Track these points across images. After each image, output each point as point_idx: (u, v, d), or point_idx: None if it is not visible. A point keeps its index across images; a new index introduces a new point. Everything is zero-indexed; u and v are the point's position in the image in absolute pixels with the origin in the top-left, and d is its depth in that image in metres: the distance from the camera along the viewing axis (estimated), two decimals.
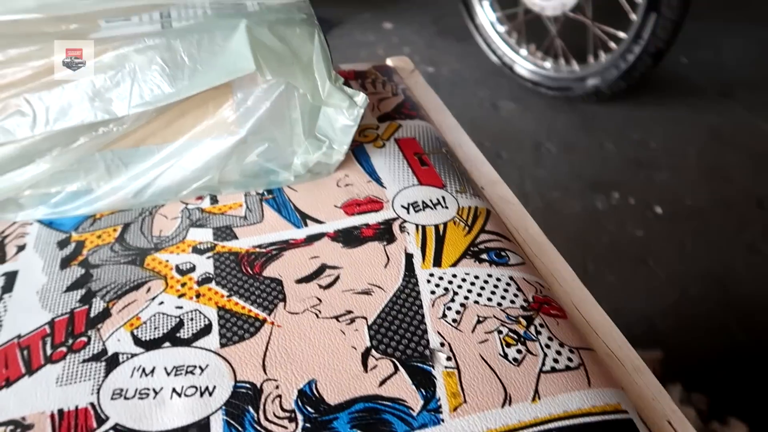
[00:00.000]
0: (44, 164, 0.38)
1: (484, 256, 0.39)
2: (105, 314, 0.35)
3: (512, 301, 0.36)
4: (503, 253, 0.39)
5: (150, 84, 0.36)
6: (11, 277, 0.37)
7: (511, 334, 0.34)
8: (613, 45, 1.59)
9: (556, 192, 1.43)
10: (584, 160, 1.53)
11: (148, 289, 0.37)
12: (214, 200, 0.43)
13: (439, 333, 0.34)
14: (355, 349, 0.33)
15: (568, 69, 1.68)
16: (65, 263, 0.38)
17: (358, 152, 0.48)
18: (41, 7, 0.38)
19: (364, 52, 2.00)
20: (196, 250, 0.39)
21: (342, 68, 0.61)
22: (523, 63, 1.75)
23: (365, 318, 0.35)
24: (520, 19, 1.74)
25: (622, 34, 1.55)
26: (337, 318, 0.35)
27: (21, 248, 0.39)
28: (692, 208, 1.37)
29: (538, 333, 0.34)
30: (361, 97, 0.40)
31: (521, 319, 0.35)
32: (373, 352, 0.33)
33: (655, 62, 1.52)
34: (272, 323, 0.34)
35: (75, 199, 0.41)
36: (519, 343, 0.33)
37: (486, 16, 1.80)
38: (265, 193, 0.44)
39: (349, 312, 0.35)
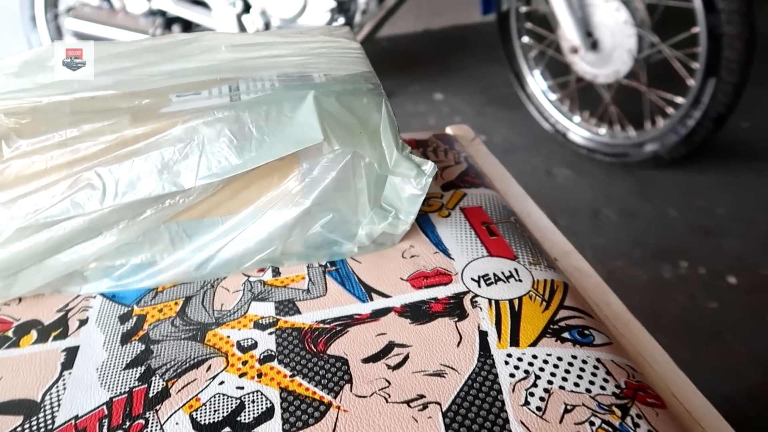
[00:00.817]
0: (111, 237, 0.38)
1: (566, 334, 0.36)
2: (164, 394, 0.33)
3: (602, 387, 0.32)
4: (587, 332, 0.36)
5: (218, 156, 0.36)
6: (72, 353, 0.36)
7: (604, 425, 0.30)
8: (670, 110, 1.55)
9: (618, 261, 1.37)
10: (646, 228, 1.47)
11: (209, 368, 0.35)
12: (276, 272, 0.42)
13: (522, 423, 0.30)
14: None
15: (624, 135, 1.65)
16: (126, 338, 0.37)
17: (422, 222, 0.46)
18: (116, 84, 0.39)
19: (415, 122, 2.03)
20: (258, 326, 0.38)
21: (402, 137, 0.60)
22: (577, 130, 1.73)
23: (439, 404, 0.32)
24: (573, 87, 1.74)
25: (680, 99, 1.52)
26: (408, 403, 0.32)
27: (83, 322, 0.39)
28: None
29: (636, 425, 0.30)
30: (429, 166, 0.39)
31: (615, 409, 0.31)
32: None
33: (716, 127, 1.47)
34: (338, 407, 0.32)
35: (139, 272, 0.40)
36: None
37: (537, 84, 1.81)
38: (328, 264, 0.42)
39: (422, 396, 0.32)
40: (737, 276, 1.29)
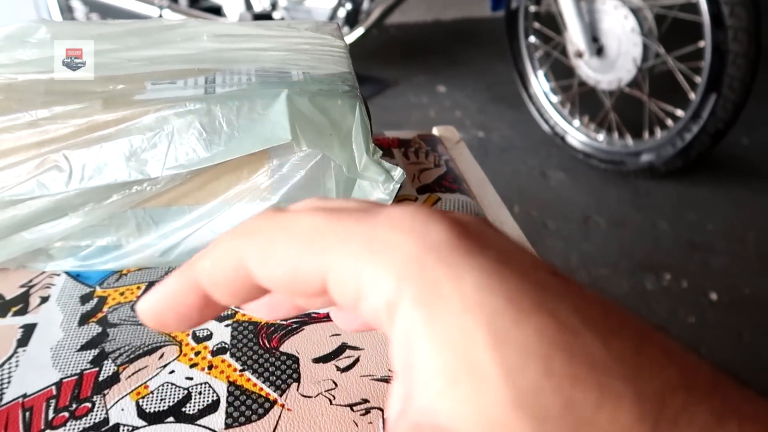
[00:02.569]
0: (76, 218, 0.38)
1: None
2: (114, 379, 0.34)
3: None
4: None
5: (186, 147, 0.36)
6: (29, 331, 0.37)
7: None
8: (669, 122, 1.55)
9: (603, 269, 1.38)
10: (635, 238, 1.48)
11: (161, 355, 0.35)
12: None
13: None
14: None
15: (621, 143, 1.65)
16: (84, 320, 0.38)
17: None
18: (94, 67, 0.39)
19: (416, 114, 2.03)
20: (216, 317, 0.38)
21: (386, 135, 0.60)
22: (576, 134, 1.73)
23: (381, 410, 0.32)
24: (575, 90, 1.73)
25: (679, 112, 1.52)
26: (351, 407, 0.32)
27: (44, 299, 0.39)
28: (751, 297, 1.29)
29: None
30: (398, 172, 0.39)
31: None
32: None
33: (713, 143, 1.47)
34: (282, 405, 0.32)
35: (104, 254, 0.41)
36: None
37: (540, 85, 1.80)
38: None
39: (366, 401, 0.33)
40: (719, 293, 1.30)
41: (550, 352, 0.12)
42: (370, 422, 0.32)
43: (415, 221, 0.14)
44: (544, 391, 0.12)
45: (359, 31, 1.84)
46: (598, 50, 1.56)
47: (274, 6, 1.83)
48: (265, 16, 1.85)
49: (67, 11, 2.06)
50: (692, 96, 1.47)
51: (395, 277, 0.13)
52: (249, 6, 1.85)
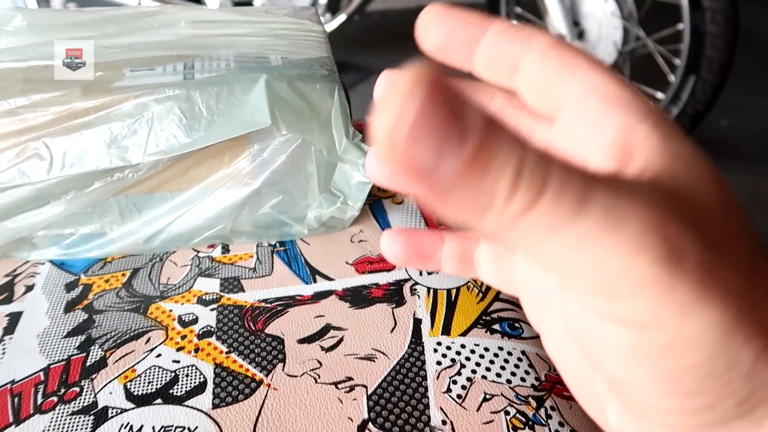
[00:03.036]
0: (59, 206, 0.38)
1: (497, 326, 0.37)
2: (101, 364, 0.34)
3: (523, 379, 0.34)
4: (517, 325, 0.37)
5: (166, 133, 0.36)
6: (15, 318, 0.37)
7: (519, 415, 0.32)
8: None
9: None
10: None
11: (148, 340, 0.36)
12: (225, 249, 0.43)
13: (441, 409, 0.32)
14: (352, 420, 0.31)
15: None
16: (70, 307, 0.38)
17: (375, 207, 0.47)
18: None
19: None
20: (201, 301, 0.39)
21: (367, 120, 0.61)
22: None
23: (365, 387, 0.33)
24: None
25: (660, 95, 1.53)
26: (336, 384, 0.33)
27: (29, 288, 0.39)
28: None
29: (548, 417, 0.32)
30: None
31: (531, 400, 0.33)
32: (370, 425, 0.31)
33: (693, 124, 1.49)
34: (268, 385, 0.33)
35: (87, 242, 0.41)
36: (527, 427, 0.31)
37: None
38: (278, 245, 0.43)
39: (350, 379, 0.34)
40: None
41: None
42: (355, 399, 0.32)
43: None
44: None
45: (341, 17, 1.83)
46: (579, 34, 1.57)
47: None
48: (245, 4, 1.83)
49: (43, 0, 2.02)
50: (672, 78, 1.48)
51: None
52: None
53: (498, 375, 0.34)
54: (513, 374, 0.34)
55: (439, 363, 0.34)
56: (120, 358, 0.35)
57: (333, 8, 1.81)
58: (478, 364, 0.34)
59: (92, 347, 0.35)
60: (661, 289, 0.13)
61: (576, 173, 0.12)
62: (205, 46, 0.41)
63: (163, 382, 0.33)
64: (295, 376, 0.34)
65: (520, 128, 0.19)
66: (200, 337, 0.36)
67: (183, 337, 0.36)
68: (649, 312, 0.14)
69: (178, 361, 0.34)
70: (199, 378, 0.33)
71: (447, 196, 0.11)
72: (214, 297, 0.39)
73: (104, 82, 0.37)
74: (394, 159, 0.11)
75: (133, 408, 0.32)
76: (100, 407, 0.32)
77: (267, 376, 0.34)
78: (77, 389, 0.33)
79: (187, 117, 0.36)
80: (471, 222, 0.12)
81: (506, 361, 0.35)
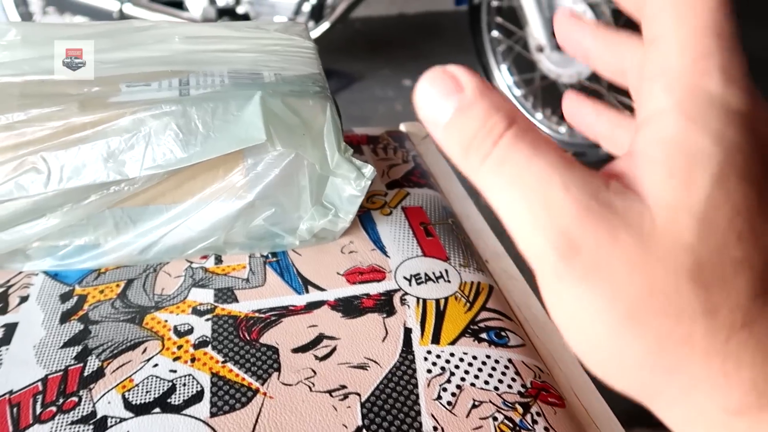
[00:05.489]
0: (54, 219, 0.39)
1: (484, 335, 0.38)
2: (99, 374, 0.35)
3: (509, 386, 0.35)
4: (503, 333, 0.39)
5: (163, 148, 0.37)
6: (10, 330, 0.37)
7: (506, 421, 0.33)
8: (627, 114, 1.61)
9: None
10: None
11: (144, 350, 0.37)
12: (218, 260, 0.44)
13: (432, 416, 0.33)
14: (346, 427, 0.32)
15: (582, 135, 1.70)
16: (65, 317, 0.38)
17: (364, 219, 0.48)
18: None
19: (382, 108, 2.05)
20: (196, 312, 0.39)
21: (355, 132, 0.62)
22: (538, 126, 1.77)
23: (359, 394, 0.34)
24: (537, 84, 1.77)
25: None
26: (330, 393, 0.34)
27: (24, 299, 0.40)
28: None
29: (534, 422, 0.33)
30: (368, 169, 0.41)
31: (518, 406, 0.34)
32: None
33: None
34: (264, 394, 0.34)
35: (82, 253, 0.42)
36: None
37: (503, 79, 1.84)
38: (270, 255, 0.44)
39: (343, 387, 0.35)
40: None
41: (741, 210, 0.15)
42: (349, 406, 0.34)
43: (732, 81, 0.16)
44: (717, 227, 0.15)
45: (325, 25, 1.84)
46: (558, 45, 1.60)
47: (237, 1, 1.82)
48: (228, 11, 1.83)
49: (22, 4, 2.00)
50: None
51: (682, 95, 0.16)
52: (212, 0, 1.83)
53: (486, 382, 0.35)
54: (500, 381, 0.35)
55: (429, 371, 0.36)
56: (117, 368, 0.35)
57: (316, 16, 1.82)
58: (467, 372, 0.36)
59: (89, 357, 0.36)
60: (552, 275, 0.16)
61: (526, 140, 0.16)
62: (199, 62, 0.42)
63: (161, 392, 0.34)
64: (290, 385, 0.35)
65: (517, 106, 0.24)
66: (196, 347, 0.37)
67: (179, 347, 0.37)
68: (543, 287, 0.17)
69: (175, 371, 0.35)
70: (197, 387, 0.34)
71: (444, 132, 0.17)
72: (209, 307, 0.40)
73: (101, 97, 0.38)
74: (419, 108, 0.17)
75: (132, 417, 0.32)
76: (99, 416, 0.32)
77: (263, 384, 0.35)
78: (76, 399, 0.33)
79: (183, 132, 0.37)
80: (458, 161, 0.17)
81: (493, 369, 0.36)
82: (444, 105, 0.17)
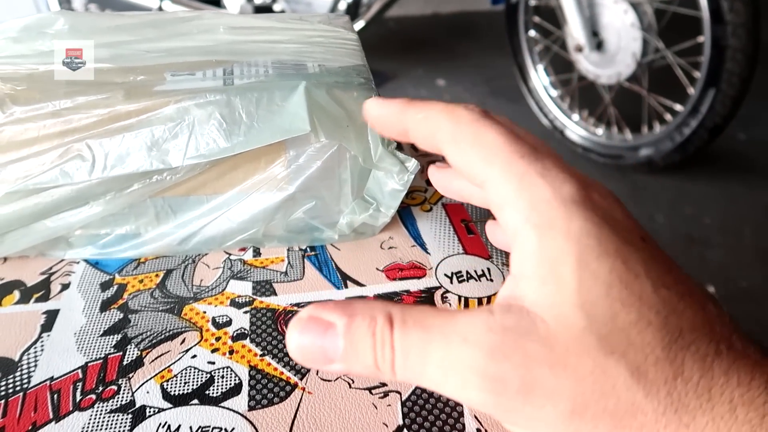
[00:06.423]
0: (97, 207, 0.39)
1: None
2: (138, 363, 0.35)
3: None
4: None
5: (207, 138, 0.37)
6: (52, 316, 0.37)
7: None
8: (668, 117, 1.56)
9: None
10: None
11: (183, 341, 0.36)
12: (257, 253, 0.43)
13: (476, 417, 0.32)
14: (387, 426, 0.31)
15: (620, 137, 1.66)
16: (105, 306, 0.38)
17: (404, 215, 0.47)
18: (113, 58, 0.40)
19: None
20: (234, 304, 0.39)
21: None
22: (575, 128, 1.74)
23: (399, 393, 0.33)
24: (574, 84, 1.74)
25: (678, 107, 1.53)
26: (370, 390, 0.33)
27: (65, 287, 0.40)
28: (747, 290, 1.31)
29: None
30: (412, 163, 0.40)
31: None
32: (405, 431, 0.31)
33: (711, 137, 1.49)
34: (303, 389, 0.33)
35: (123, 242, 0.42)
36: None
37: (540, 79, 1.81)
38: (308, 249, 0.44)
39: (384, 385, 0.34)
40: (716, 286, 1.32)
41: (613, 282, 0.17)
42: (389, 405, 0.33)
43: (556, 178, 0.19)
44: (599, 304, 0.17)
45: (360, 24, 1.84)
46: (598, 45, 1.57)
47: None
48: (265, 9, 1.85)
49: (65, 2, 2.05)
50: (691, 91, 1.48)
51: (526, 212, 0.19)
52: None
53: None
54: None
55: None
56: (156, 358, 0.35)
57: (352, 14, 1.83)
58: None
59: (128, 346, 0.36)
60: (503, 412, 0.18)
61: (409, 323, 0.19)
62: (243, 52, 0.42)
63: (199, 383, 0.34)
64: (329, 381, 0.34)
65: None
66: (234, 339, 0.36)
67: (217, 339, 0.36)
68: (505, 425, 0.19)
69: (213, 363, 0.35)
70: (235, 380, 0.34)
71: (345, 366, 0.19)
72: (247, 300, 0.39)
73: (146, 86, 0.38)
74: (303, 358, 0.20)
75: (170, 408, 0.32)
76: (137, 406, 0.32)
77: (301, 379, 0.34)
78: (115, 388, 0.33)
79: (227, 122, 0.37)
80: (375, 378, 0.24)
81: None
82: (329, 344, 0.19)
